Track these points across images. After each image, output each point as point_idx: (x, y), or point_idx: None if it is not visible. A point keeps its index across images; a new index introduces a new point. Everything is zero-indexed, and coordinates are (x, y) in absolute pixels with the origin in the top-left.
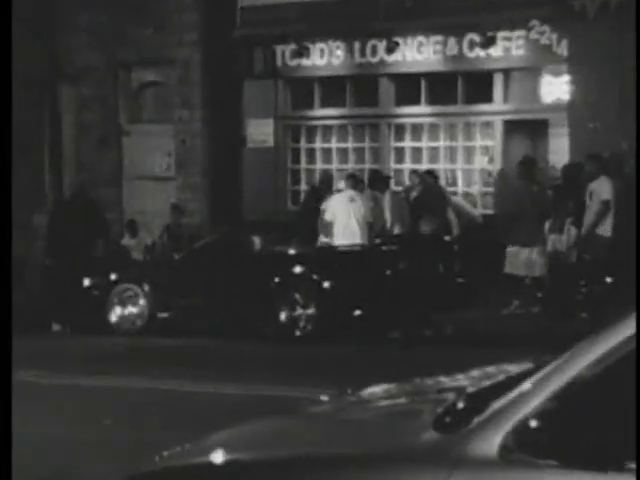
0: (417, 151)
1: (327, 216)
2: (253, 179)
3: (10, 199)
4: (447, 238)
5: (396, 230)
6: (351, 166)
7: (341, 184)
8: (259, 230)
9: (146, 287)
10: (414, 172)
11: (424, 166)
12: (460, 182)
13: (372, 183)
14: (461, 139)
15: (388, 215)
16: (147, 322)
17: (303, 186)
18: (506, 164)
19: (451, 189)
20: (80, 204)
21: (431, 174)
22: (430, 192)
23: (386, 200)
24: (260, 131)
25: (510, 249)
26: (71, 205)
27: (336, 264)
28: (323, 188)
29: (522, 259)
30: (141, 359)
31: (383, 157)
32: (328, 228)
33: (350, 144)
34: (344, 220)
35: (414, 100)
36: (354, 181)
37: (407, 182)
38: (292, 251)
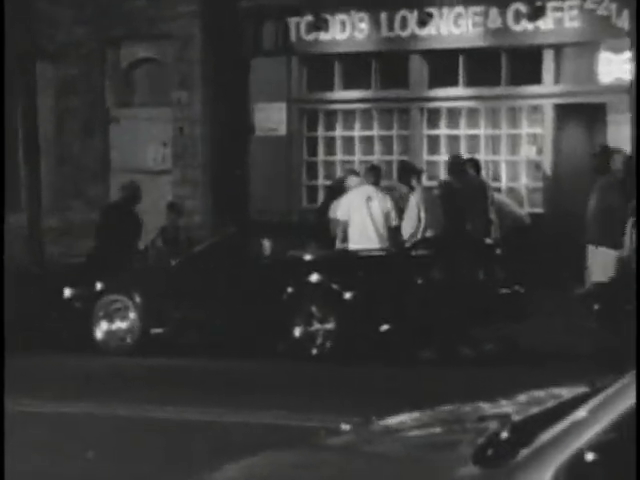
0: (454, 140)
1: (339, 215)
2: (262, 173)
3: None
4: (489, 241)
5: (428, 232)
6: (377, 158)
7: (352, 180)
8: (269, 232)
9: (137, 298)
10: (456, 158)
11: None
12: (504, 176)
13: (401, 177)
14: (505, 126)
15: (420, 214)
16: (139, 339)
17: (320, 181)
18: (557, 155)
19: (493, 184)
20: (129, 208)
21: (473, 162)
22: (471, 186)
23: (416, 197)
24: (270, 117)
25: (596, 250)
26: (121, 208)
27: (359, 272)
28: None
29: (610, 262)
30: (132, 382)
31: (414, 147)
32: (340, 231)
33: (375, 132)
34: (359, 222)
35: (450, 81)
36: (375, 175)
37: (441, 176)
38: (308, 256)
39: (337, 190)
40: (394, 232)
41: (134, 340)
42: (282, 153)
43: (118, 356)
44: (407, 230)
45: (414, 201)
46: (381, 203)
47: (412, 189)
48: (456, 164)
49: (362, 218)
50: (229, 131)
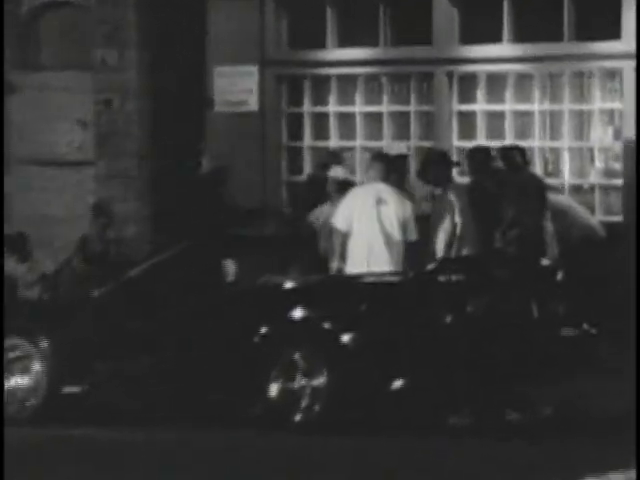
0: (495, 118)
1: (336, 223)
2: (224, 165)
3: None
4: (545, 262)
5: (466, 249)
6: (387, 143)
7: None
8: (236, 249)
9: (44, 344)
10: (481, 150)
11: (506, 143)
12: (566, 170)
13: (424, 171)
14: (568, 99)
15: (457, 225)
16: (45, 401)
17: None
18: None
19: (551, 181)
20: None
21: (519, 152)
22: (517, 184)
23: (450, 201)
24: (236, 86)
25: None
26: None
27: (362, 305)
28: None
29: None
30: (35, 462)
31: (439, 129)
32: (337, 247)
33: (385, 107)
34: (364, 234)
35: (490, 35)
36: (383, 167)
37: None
38: (290, 283)
39: (318, 185)
40: (413, 249)
41: (39, 402)
42: (253, 136)
43: (17, 426)
44: (438, 247)
45: (448, 206)
46: (397, 208)
47: (443, 189)
48: (484, 155)
49: (369, 228)
50: (177, 106)
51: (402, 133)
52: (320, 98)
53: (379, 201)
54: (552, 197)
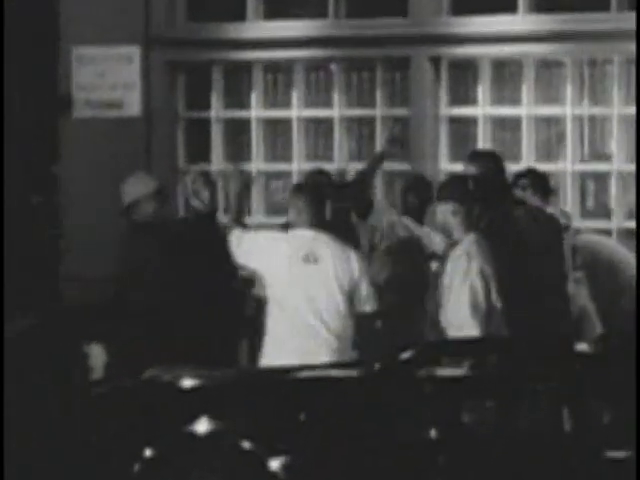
0: (505, 127)
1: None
2: (87, 199)
3: None
4: (583, 347)
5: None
6: (336, 166)
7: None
8: (103, 329)
9: None
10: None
11: (521, 166)
12: (615, 204)
13: (407, 198)
14: (618, 98)
15: (488, 287)
16: None
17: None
18: None
19: (592, 223)
20: None
21: (536, 179)
22: (531, 230)
23: (470, 249)
24: (106, 76)
25: None
26: None
27: (298, 414)
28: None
29: None
30: None
31: (421, 142)
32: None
33: (337, 110)
34: (288, 308)
35: (497, 1)
36: (316, 202)
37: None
38: (189, 381)
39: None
40: (372, 327)
41: None
42: (132, 156)
43: None
44: (455, 323)
45: (466, 257)
46: (338, 267)
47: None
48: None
49: (293, 300)
50: (17, 106)
51: (363, 149)
52: (237, 97)
53: (307, 258)
54: (588, 245)
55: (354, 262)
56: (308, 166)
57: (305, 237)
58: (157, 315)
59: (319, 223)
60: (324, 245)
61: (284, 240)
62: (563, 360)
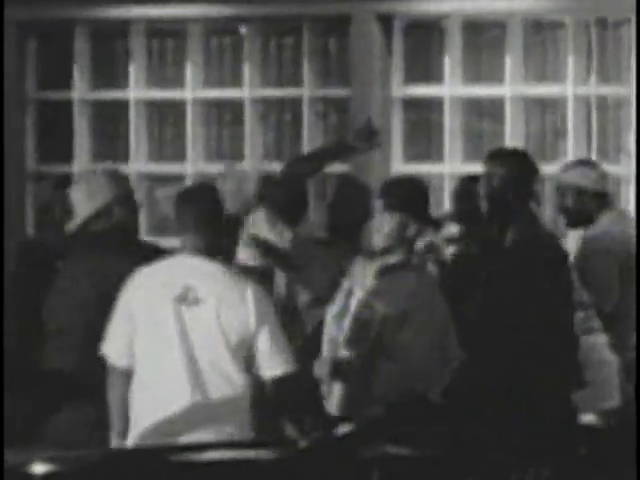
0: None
1: (109, 352)
2: None
3: None
4: (587, 421)
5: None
6: (254, 163)
7: None
8: None
9: None
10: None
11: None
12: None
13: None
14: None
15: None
16: None
17: None
18: None
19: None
20: None
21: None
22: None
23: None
24: None
25: None
26: None
27: None
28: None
29: None
30: None
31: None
32: (114, 395)
33: (248, 89)
34: (159, 371)
35: None
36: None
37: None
38: (41, 467)
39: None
40: (288, 392)
41: None
42: None
43: None
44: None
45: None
46: (225, 307)
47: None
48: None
49: (165, 359)
50: None
51: (283, 143)
52: (108, 72)
53: (184, 297)
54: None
55: (250, 304)
56: (208, 167)
57: (184, 267)
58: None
59: (210, 246)
60: (209, 279)
61: (157, 275)
62: (558, 439)
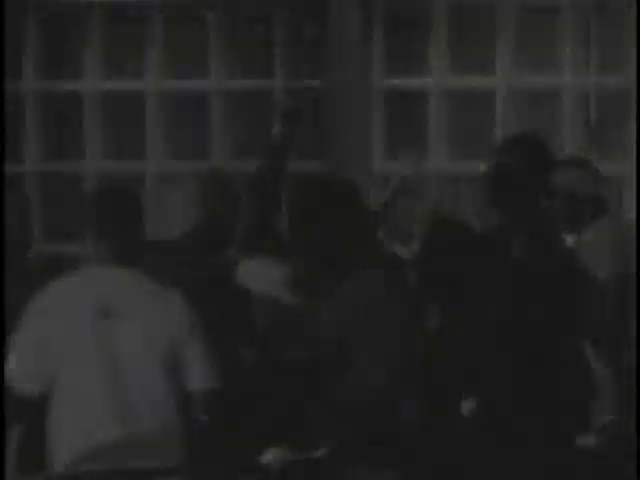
0: (480, 97)
1: (15, 379)
2: None
3: None
4: (588, 442)
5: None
6: (219, 160)
7: None
8: None
9: None
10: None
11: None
12: None
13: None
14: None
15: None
16: None
17: None
18: None
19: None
20: None
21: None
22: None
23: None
24: None
25: None
26: None
27: None
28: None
29: None
30: None
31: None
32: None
33: (213, 79)
34: (80, 395)
35: None
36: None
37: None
38: None
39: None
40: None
41: None
42: None
43: None
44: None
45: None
46: (152, 319)
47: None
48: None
49: (87, 381)
50: None
51: (254, 139)
52: (60, 61)
53: (106, 312)
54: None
55: (177, 315)
56: (175, 164)
57: (104, 279)
58: None
59: (123, 254)
60: (133, 290)
61: (72, 288)
62: (556, 457)
